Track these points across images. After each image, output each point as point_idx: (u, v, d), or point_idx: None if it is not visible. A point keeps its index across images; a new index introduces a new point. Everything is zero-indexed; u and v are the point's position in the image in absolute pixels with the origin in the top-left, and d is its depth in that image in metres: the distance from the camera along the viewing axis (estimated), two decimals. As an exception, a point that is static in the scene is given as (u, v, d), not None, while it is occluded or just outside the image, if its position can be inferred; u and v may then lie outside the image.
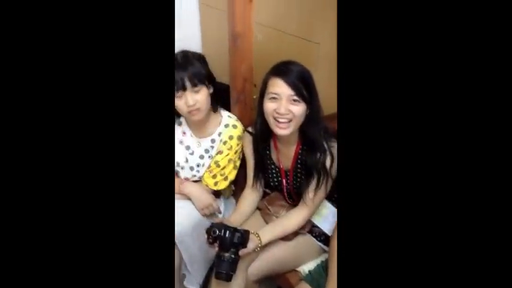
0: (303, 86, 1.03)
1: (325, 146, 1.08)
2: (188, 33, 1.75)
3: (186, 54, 1.19)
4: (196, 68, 1.16)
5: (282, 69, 1.05)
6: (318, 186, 1.10)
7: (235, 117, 1.31)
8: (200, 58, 1.20)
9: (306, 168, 1.11)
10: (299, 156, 1.14)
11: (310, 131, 1.07)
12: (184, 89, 1.14)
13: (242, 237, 1.03)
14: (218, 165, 1.29)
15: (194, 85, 1.14)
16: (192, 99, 1.15)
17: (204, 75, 1.18)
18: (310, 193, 1.11)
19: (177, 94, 1.15)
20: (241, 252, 1.03)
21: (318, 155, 1.08)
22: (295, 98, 1.03)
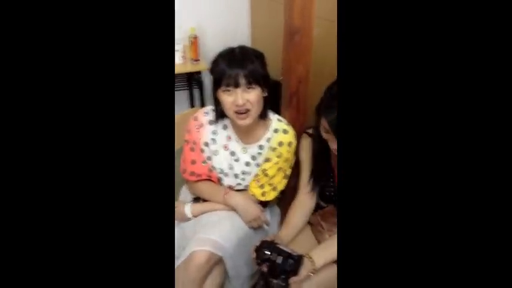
0: None
1: None
2: (236, 19, 1.62)
3: (245, 50, 1.07)
4: (255, 66, 1.03)
5: None
6: None
7: (285, 121, 1.18)
8: (260, 56, 1.07)
9: None
10: None
11: None
12: (236, 85, 1.02)
13: (295, 263, 0.92)
14: (266, 174, 1.18)
15: (249, 83, 1.02)
16: (242, 98, 1.02)
17: (261, 75, 1.05)
18: None
19: (226, 89, 1.03)
20: (293, 280, 0.92)
21: None
22: None
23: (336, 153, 1.00)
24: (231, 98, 1.03)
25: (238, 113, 1.05)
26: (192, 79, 2.50)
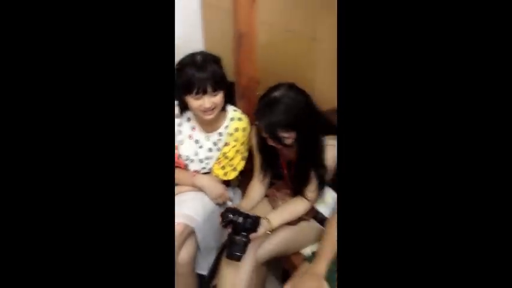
0: None
1: (321, 141, 1.17)
2: (190, 31, 1.83)
3: (205, 56, 1.23)
4: (217, 72, 1.21)
5: None
6: (317, 178, 1.19)
7: (240, 111, 1.39)
8: (218, 61, 1.25)
9: (305, 162, 1.21)
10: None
11: (304, 129, 1.14)
12: (204, 92, 1.20)
13: (253, 222, 1.12)
14: (226, 157, 1.38)
15: (214, 90, 1.21)
16: (209, 102, 1.22)
17: (223, 80, 1.24)
18: (312, 184, 1.21)
19: (195, 96, 1.21)
20: (252, 236, 1.12)
21: (314, 150, 1.17)
22: None
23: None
24: (198, 102, 1.22)
25: (205, 112, 1.25)
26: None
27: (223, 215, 1.13)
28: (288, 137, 1.12)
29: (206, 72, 1.18)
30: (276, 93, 1.11)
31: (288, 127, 1.10)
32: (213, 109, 1.24)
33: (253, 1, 1.24)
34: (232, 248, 1.12)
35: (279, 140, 1.12)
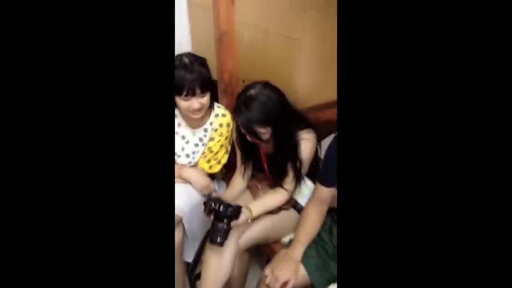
0: None
1: (296, 136, 1.24)
2: (178, 30, 1.89)
3: (192, 58, 1.28)
4: (204, 74, 1.28)
5: None
6: (293, 170, 1.26)
7: (223, 107, 1.46)
8: (204, 62, 1.31)
9: (281, 156, 1.28)
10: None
11: (279, 124, 1.20)
12: (193, 94, 1.27)
13: (234, 210, 1.19)
14: (211, 151, 1.44)
15: (202, 92, 1.28)
16: (197, 103, 1.29)
17: (210, 81, 1.31)
18: (289, 176, 1.28)
19: (184, 98, 1.27)
20: (233, 223, 1.19)
21: (289, 144, 1.24)
22: None
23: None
24: (187, 104, 1.29)
25: (193, 112, 1.32)
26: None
27: (206, 204, 1.20)
28: (265, 132, 1.19)
29: (194, 74, 1.25)
30: (252, 91, 1.18)
31: (263, 123, 1.17)
32: (200, 109, 1.31)
33: (232, 2, 1.30)
34: (214, 234, 1.19)
35: (256, 135, 1.19)
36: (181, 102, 1.29)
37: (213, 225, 1.19)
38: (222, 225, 1.18)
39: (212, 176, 1.52)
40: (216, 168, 1.48)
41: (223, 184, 1.62)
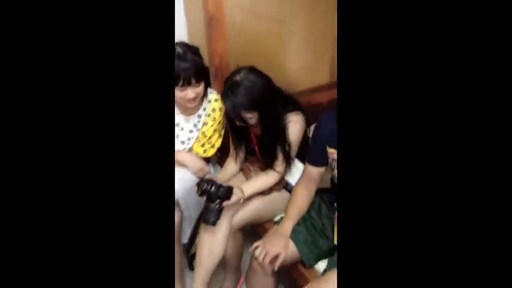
0: None
1: (284, 119, 1.26)
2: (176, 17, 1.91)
3: (185, 47, 1.29)
4: (198, 62, 1.29)
5: None
6: (283, 152, 1.29)
7: (215, 92, 1.48)
8: (197, 51, 1.32)
9: (270, 139, 1.31)
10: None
11: (265, 109, 1.23)
12: (189, 84, 1.29)
13: (226, 191, 1.23)
14: (205, 136, 1.48)
15: (197, 81, 1.30)
16: (193, 92, 1.31)
17: (204, 70, 1.33)
18: (279, 158, 1.31)
19: (180, 88, 1.29)
20: (225, 203, 1.23)
21: (276, 127, 1.26)
22: None
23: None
24: (183, 93, 1.32)
25: (188, 101, 1.34)
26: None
27: (198, 185, 1.24)
28: (251, 117, 1.22)
29: (188, 63, 1.27)
30: (237, 77, 1.21)
31: (249, 108, 1.20)
32: (195, 98, 1.34)
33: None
34: (207, 214, 1.23)
35: (243, 120, 1.22)
36: (177, 91, 1.31)
37: (206, 205, 1.23)
38: (214, 205, 1.21)
39: (207, 160, 1.55)
40: (210, 152, 1.51)
41: (218, 167, 1.65)
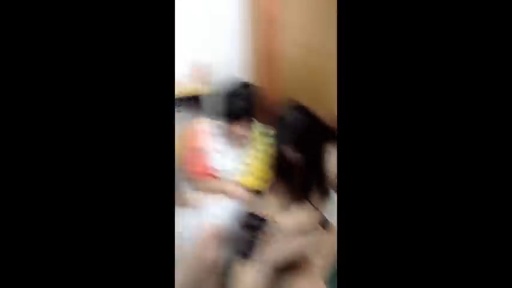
0: None
1: (324, 152, 1.22)
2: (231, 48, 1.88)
3: (242, 85, 1.40)
4: (252, 100, 1.39)
5: None
6: (321, 187, 1.26)
7: (264, 125, 1.51)
8: (254, 90, 1.41)
9: (310, 175, 1.29)
10: None
11: (309, 146, 1.24)
12: (242, 121, 1.37)
13: (260, 222, 1.22)
14: (252, 167, 1.51)
15: (250, 119, 1.40)
16: (245, 129, 1.41)
17: (258, 107, 1.41)
18: (317, 193, 1.27)
19: (234, 124, 1.38)
20: (260, 235, 1.21)
21: (318, 163, 1.24)
22: None
23: None
24: (236, 129, 1.40)
25: (241, 136, 1.43)
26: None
27: (239, 216, 1.26)
28: (293, 151, 1.23)
29: (245, 102, 1.36)
30: (282, 113, 1.26)
31: (291, 144, 1.22)
32: (248, 135, 1.44)
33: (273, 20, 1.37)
34: (241, 246, 1.21)
35: (285, 154, 1.25)
36: (231, 127, 1.39)
37: (241, 236, 1.22)
38: (249, 237, 1.20)
39: (253, 191, 1.55)
40: (257, 184, 1.51)
41: (263, 198, 1.63)
